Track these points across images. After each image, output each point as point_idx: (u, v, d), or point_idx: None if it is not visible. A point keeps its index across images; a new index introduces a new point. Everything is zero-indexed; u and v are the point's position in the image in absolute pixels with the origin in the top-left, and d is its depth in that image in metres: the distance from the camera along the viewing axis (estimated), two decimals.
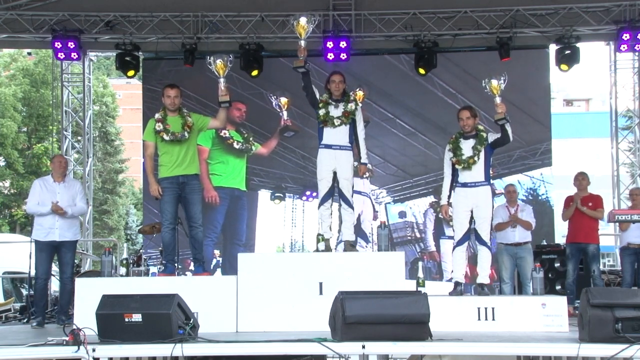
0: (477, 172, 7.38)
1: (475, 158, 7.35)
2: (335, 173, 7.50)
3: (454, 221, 7.60)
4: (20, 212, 28.65)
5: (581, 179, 9.39)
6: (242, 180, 13.04)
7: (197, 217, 7.41)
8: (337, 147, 7.47)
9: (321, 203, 7.57)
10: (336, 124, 7.43)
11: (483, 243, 7.43)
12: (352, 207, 7.58)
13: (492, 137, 7.48)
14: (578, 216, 9.27)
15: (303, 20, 7.29)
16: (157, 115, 7.43)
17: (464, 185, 7.46)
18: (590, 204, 9.21)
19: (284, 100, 12.02)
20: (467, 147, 7.42)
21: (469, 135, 7.46)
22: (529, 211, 9.36)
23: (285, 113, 12.39)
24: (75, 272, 9.54)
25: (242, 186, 13.02)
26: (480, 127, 7.53)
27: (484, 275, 7.45)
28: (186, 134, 7.34)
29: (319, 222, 7.62)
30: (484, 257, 7.44)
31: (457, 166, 7.48)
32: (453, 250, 7.62)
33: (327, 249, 7.21)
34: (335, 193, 7.61)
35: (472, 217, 7.45)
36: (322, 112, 7.48)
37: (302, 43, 7.29)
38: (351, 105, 7.48)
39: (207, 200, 12.43)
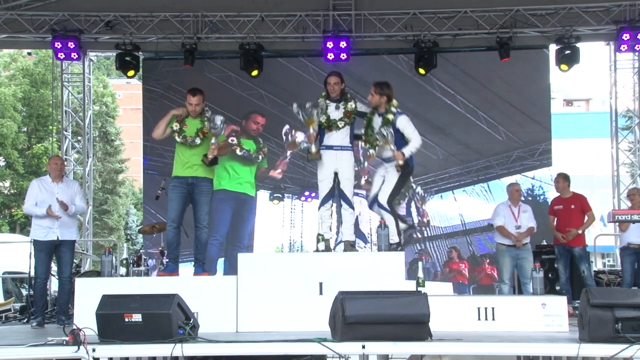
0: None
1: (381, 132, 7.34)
2: (336, 174, 7.50)
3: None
4: (20, 212, 28.63)
5: (562, 181, 9.47)
6: (250, 186, 12.95)
7: (203, 218, 7.44)
8: (338, 147, 7.48)
9: (321, 204, 7.58)
10: (340, 126, 7.44)
11: (382, 207, 7.48)
12: (353, 207, 7.59)
13: (400, 122, 7.40)
14: (564, 219, 9.36)
15: (314, 114, 7.30)
16: (179, 112, 7.46)
17: (385, 160, 7.55)
18: (573, 206, 9.25)
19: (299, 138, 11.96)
20: (377, 125, 7.43)
21: (380, 113, 7.48)
22: (530, 212, 9.39)
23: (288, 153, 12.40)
24: (76, 272, 9.57)
25: (249, 191, 12.93)
26: (393, 106, 7.46)
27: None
28: (198, 140, 7.37)
29: (319, 223, 7.62)
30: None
31: (364, 145, 7.57)
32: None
33: (327, 249, 7.22)
34: (335, 194, 7.61)
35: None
36: (323, 118, 7.46)
37: (312, 131, 7.35)
38: (351, 105, 7.47)
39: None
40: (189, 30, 12.14)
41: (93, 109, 14.74)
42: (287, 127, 12.66)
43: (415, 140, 7.44)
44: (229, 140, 12.47)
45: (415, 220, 12.72)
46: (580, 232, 9.17)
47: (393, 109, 7.44)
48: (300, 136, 12.32)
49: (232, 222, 12.85)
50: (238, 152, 12.86)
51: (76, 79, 13.66)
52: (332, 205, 7.64)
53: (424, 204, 12.62)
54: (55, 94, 14.01)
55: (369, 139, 7.43)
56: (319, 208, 7.62)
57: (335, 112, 7.46)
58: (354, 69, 12.05)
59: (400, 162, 7.31)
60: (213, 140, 7.33)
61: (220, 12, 12.11)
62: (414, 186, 12.45)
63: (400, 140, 7.39)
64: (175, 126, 7.40)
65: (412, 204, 12.72)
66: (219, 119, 7.27)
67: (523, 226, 9.19)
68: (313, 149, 7.40)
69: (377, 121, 7.44)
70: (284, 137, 12.74)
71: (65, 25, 12.03)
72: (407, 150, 7.40)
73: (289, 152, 12.78)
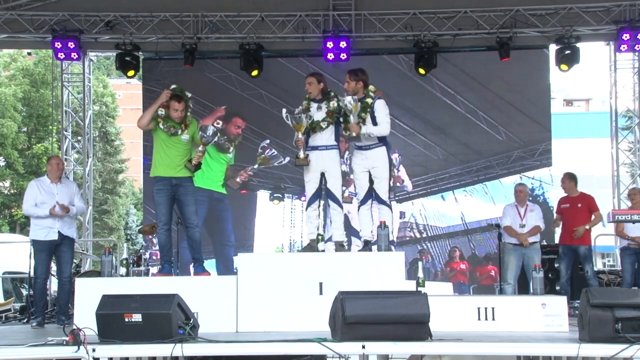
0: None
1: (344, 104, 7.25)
2: (322, 174, 7.47)
3: (355, 182, 7.62)
4: (20, 212, 28.63)
5: (567, 181, 9.51)
6: (220, 183, 12.96)
7: (192, 217, 7.45)
8: (323, 147, 7.42)
9: (309, 204, 7.55)
10: (323, 127, 7.36)
11: (382, 202, 7.43)
12: (341, 207, 7.53)
13: (377, 106, 7.32)
14: (570, 218, 9.37)
15: (303, 119, 7.26)
16: (164, 98, 7.42)
17: (360, 148, 7.45)
18: (579, 205, 9.27)
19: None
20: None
21: (358, 99, 7.37)
22: (538, 211, 9.39)
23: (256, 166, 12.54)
24: (75, 272, 9.57)
25: (220, 189, 12.94)
26: (370, 91, 7.38)
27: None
28: (179, 131, 7.36)
29: (307, 224, 7.61)
30: (385, 215, 7.41)
31: (344, 133, 7.46)
32: (358, 209, 7.63)
33: (314, 249, 7.20)
34: (322, 194, 7.59)
35: (370, 178, 7.46)
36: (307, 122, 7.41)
37: (301, 136, 7.30)
38: (333, 104, 7.39)
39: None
40: (189, 30, 12.15)
41: (93, 109, 14.75)
42: (267, 141, 12.72)
43: (382, 126, 7.30)
44: (215, 124, 12.38)
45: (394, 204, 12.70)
46: (587, 227, 9.19)
47: (371, 94, 7.39)
48: (274, 152, 12.41)
49: (211, 223, 12.82)
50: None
51: (76, 79, 13.66)
52: (319, 206, 7.60)
53: (394, 168, 12.63)
54: (55, 94, 14.02)
55: (347, 125, 7.36)
56: (306, 209, 7.60)
57: (317, 113, 7.39)
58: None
59: (354, 134, 7.21)
60: (200, 148, 7.36)
61: (220, 12, 12.12)
62: (395, 164, 12.46)
63: (374, 124, 7.32)
64: (161, 111, 7.34)
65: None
66: (210, 129, 7.32)
67: (528, 225, 9.20)
68: (301, 154, 7.36)
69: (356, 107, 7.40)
70: (260, 150, 12.78)
71: (65, 25, 12.04)
72: (368, 128, 7.24)
73: (256, 165, 12.82)
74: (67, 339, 5.40)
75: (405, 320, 5.42)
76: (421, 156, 12.82)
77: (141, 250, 10.42)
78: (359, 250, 7.51)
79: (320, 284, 6.62)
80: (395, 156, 11.83)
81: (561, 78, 27.26)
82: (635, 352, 5.15)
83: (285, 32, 12.10)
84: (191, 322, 5.68)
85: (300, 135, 7.30)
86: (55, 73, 13.76)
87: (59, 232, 7.87)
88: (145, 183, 13.67)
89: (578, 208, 9.30)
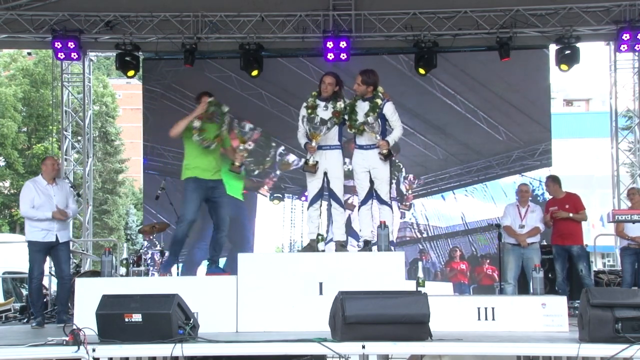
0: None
1: (368, 122, 7.31)
2: (325, 173, 7.48)
3: (355, 182, 7.64)
4: None
5: (552, 184, 9.63)
6: (241, 191, 12.96)
7: (226, 220, 7.63)
8: (327, 147, 7.45)
9: (310, 204, 7.56)
10: (329, 126, 7.39)
11: (383, 202, 7.46)
12: (343, 207, 7.57)
13: (387, 109, 7.43)
14: (559, 219, 9.37)
15: (323, 130, 7.31)
16: (202, 110, 7.47)
17: (360, 147, 7.48)
18: (567, 206, 9.30)
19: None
20: (361, 110, 7.41)
21: (366, 99, 7.46)
22: (539, 212, 9.41)
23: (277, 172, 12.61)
24: (76, 272, 9.57)
25: (240, 196, 12.94)
26: (379, 92, 7.47)
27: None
28: (212, 146, 7.48)
29: (308, 223, 7.62)
30: (386, 215, 7.44)
31: (349, 130, 7.52)
32: (358, 209, 7.67)
33: (314, 249, 7.20)
34: (325, 193, 7.60)
35: (371, 178, 7.50)
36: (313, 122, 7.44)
37: (314, 144, 7.36)
38: (340, 104, 7.42)
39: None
40: (189, 30, 12.14)
41: (93, 109, 14.73)
42: (282, 148, 12.72)
43: (398, 129, 7.47)
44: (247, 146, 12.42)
45: (395, 206, 12.68)
46: (570, 215, 9.26)
47: (380, 95, 7.44)
48: (292, 157, 12.51)
49: (233, 228, 12.80)
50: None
51: (76, 79, 13.64)
52: (320, 206, 7.60)
53: (410, 189, 12.64)
54: (55, 94, 14.01)
55: (353, 124, 7.40)
56: (308, 208, 7.61)
57: (323, 112, 7.40)
58: (354, 69, 11.98)
59: (384, 152, 7.32)
60: (242, 147, 7.48)
61: (220, 12, 12.11)
62: (400, 165, 12.44)
63: (384, 127, 7.42)
64: (197, 123, 7.41)
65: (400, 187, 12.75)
66: (247, 126, 7.43)
67: (528, 226, 9.22)
68: (311, 161, 7.40)
69: (362, 106, 7.42)
70: (278, 157, 12.79)
71: (65, 25, 12.03)
72: (391, 139, 7.42)
73: (279, 171, 12.83)
74: (67, 339, 5.41)
75: (405, 320, 5.42)
76: (421, 156, 12.81)
77: (141, 251, 10.39)
78: (358, 251, 7.52)
79: (320, 284, 6.63)
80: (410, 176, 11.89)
81: (561, 78, 27.25)
82: (635, 352, 5.15)
83: (285, 32, 12.09)
84: (191, 322, 5.68)
85: (314, 144, 7.35)
86: (55, 73, 13.75)
87: (56, 235, 7.87)
88: (145, 183, 13.66)
89: (566, 209, 9.36)
